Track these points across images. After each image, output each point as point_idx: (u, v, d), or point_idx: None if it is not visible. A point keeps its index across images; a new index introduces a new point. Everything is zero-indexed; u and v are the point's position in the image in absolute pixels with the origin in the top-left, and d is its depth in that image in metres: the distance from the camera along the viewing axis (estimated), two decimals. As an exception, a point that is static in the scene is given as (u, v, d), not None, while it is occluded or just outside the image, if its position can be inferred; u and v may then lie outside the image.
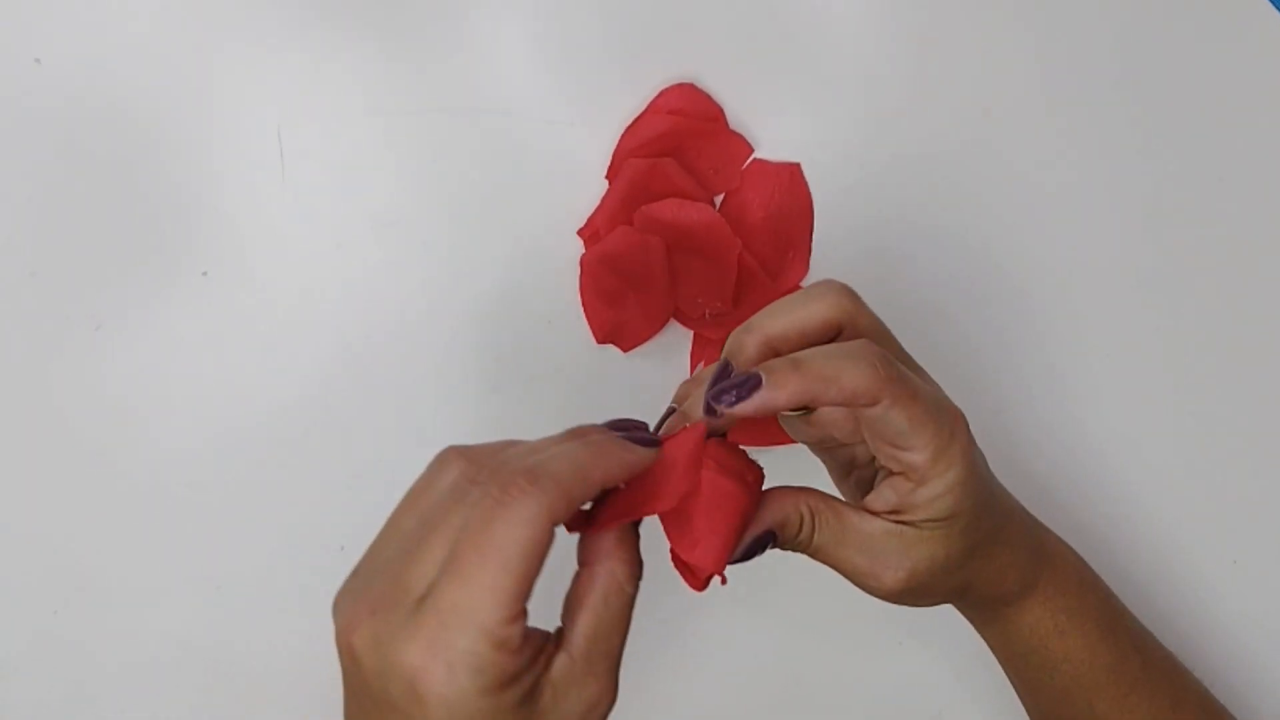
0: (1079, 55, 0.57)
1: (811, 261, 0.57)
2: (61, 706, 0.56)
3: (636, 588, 0.35)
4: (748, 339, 0.39)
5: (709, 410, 0.36)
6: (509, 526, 0.31)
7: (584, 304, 0.56)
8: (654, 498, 0.36)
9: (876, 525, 0.39)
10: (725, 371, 0.38)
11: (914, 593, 0.40)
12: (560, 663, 0.33)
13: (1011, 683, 0.49)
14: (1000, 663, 0.49)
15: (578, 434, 0.36)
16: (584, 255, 0.55)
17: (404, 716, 0.32)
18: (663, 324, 0.56)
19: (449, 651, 0.30)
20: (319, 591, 0.56)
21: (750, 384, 0.36)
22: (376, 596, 0.32)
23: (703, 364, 0.56)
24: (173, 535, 0.55)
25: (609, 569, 0.35)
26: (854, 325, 0.40)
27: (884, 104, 0.56)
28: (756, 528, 0.38)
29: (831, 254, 0.56)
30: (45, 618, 0.55)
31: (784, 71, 0.56)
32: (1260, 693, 0.58)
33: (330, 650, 0.57)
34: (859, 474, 0.44)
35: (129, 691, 0.56)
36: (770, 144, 0.56)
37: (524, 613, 0.31)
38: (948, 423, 0.38)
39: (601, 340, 0.56)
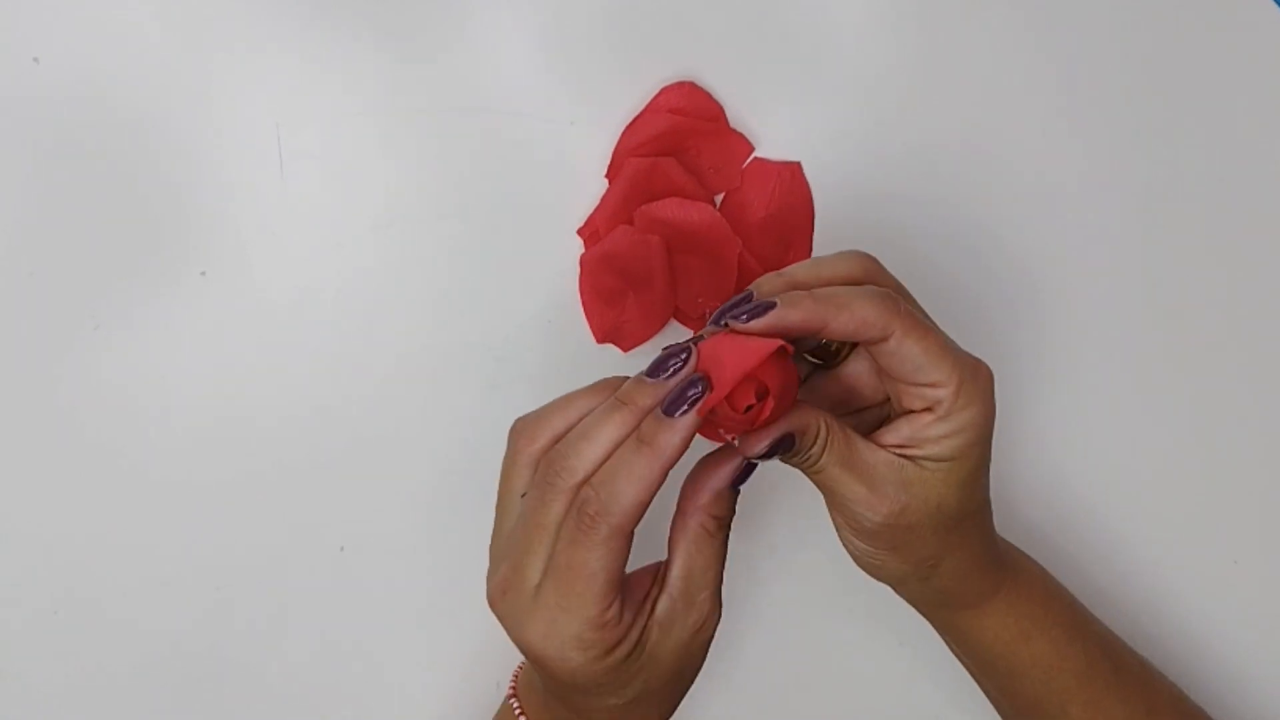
0: (1080, 54, 0.57)
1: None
2: (61, 706, 0.56)
3: (725, 533, 0.41)
4: (775, 279, 0.41)
5: (718, 323, 0.39)
6: (590, 551, 0.37)
7: (584, 304, 0.55)
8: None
9: (881, 456, 0.40)
10: (746, 298, 0.39)
11: (894, 533, 0.41)
12: (662, 604, 0.40)
13: (983, 689, 0.49)
14: (970, 672, 0.49)
15: (600, 391, 0.40)
16: (584, 255, 0.55)
17: (538, 668, 0.40)
18: (663, 324, 0.56)
19: (559, 637, 0.38)
20: (319, 591, 0.56)
21: (764, 305, 0.38)
22: (505, 579, 0.39)
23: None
24: (172, 535, 0.55)
25: (699, 520, 0.40)
26: (876, 282, 0.41)
27: (885, 103, 0.56)
28: (780, 428, 0.39)
29: (832, 253, 0.56)
30: (45, 618, 0.55)
31: (784, 70, 0.56)
32: (1260, 692, 0.58)
33: (329, 651, 0.57)
34: (861, 419, 0.44)
35: (129, 691, 0.56)
36: (771, 143, 0.56)
37: (616, 594, 0.38)
38: (970, 362, 0.40)
39: (601, 340, 0.56)
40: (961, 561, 0.44)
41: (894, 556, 0.43)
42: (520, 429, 0.40)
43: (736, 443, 0.40)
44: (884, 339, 0.38)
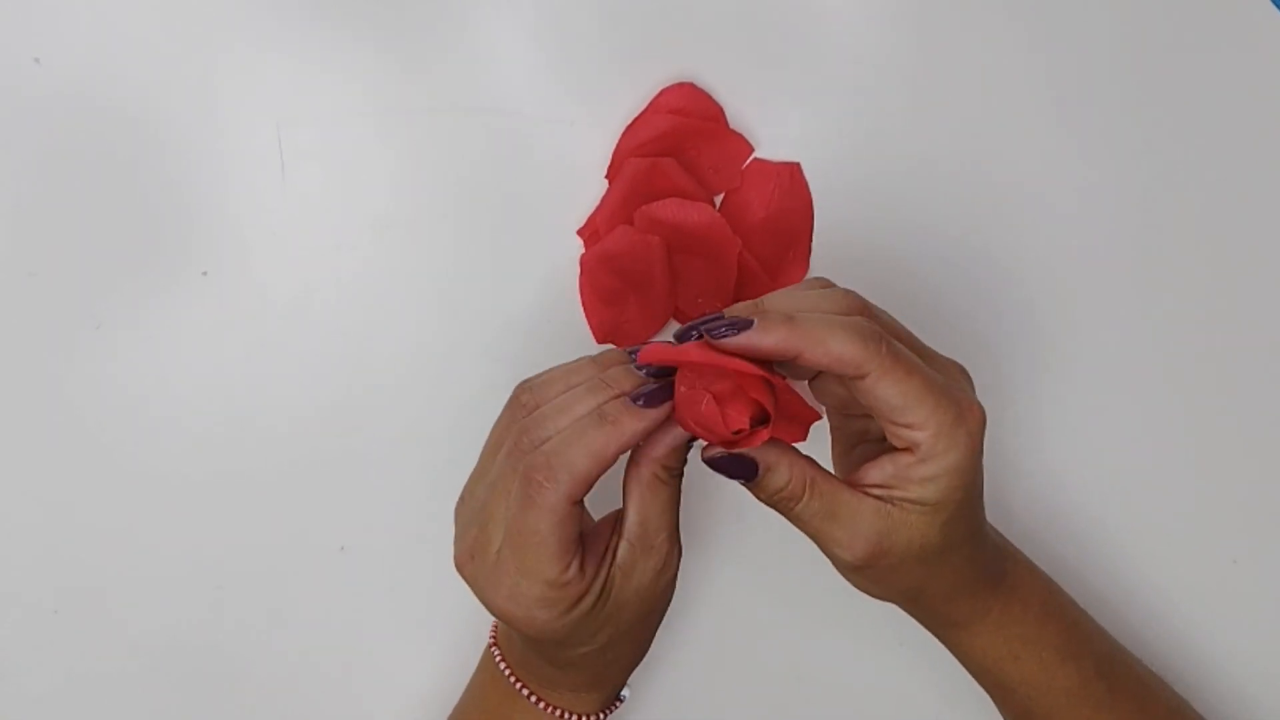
0: (1079, 55, 0.57)
1: (812, 261, 0.57)
2: (61, 706, 0.56)
3: (678, 481, 0.41)
4: (749, 308, 0.40)
5: (683, 338, 0.39)
6: (537, 516, 0.38)
7: (584, 304, 0.56)
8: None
9: (866, 505, 0.40)
10: (718, 315, 0.39)
11: (876, 570, 0.41)
12: (622, 551, 0.41)
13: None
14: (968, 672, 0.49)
15: (601, 365, 0.41)
16: (584, 255, 0.55)
17: (507, 626, 0.42)
18: (663, 324, 0.56)
19: (523, 599, 0.39)
20: (319, 591, 0.56)
21: (741, 324, 0.38)
22: (471, 543, 0.40)
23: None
24: (173, 535, 0.56)
25: (651, 470, 0.40)
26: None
27: (884, 103, 0.56)
28: (746, 450, 0.40)
29: (832, 253, 0.56)
30: (45, 618, 0.55)
31: (784, 71, 0.56)
32: (1260, 692, 0.58)
33: (330, 651, 0.57)
34: (863, 450, 0.44)
35: (129, 691, 0.56)
36: (770, 143, 0.56)
37: (574, 553, 0.39)
38: (951, 405, 0.38)
39: (601, 340, 0.56)
40: (947, 588, 0.44)
41: (876, 586, 0.43)
42: (520, 392, 0.41)
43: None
44: (860, 378, 0.38)
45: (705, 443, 0.40)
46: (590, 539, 0.41)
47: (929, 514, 0.40)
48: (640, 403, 0.38)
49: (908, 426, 0.38)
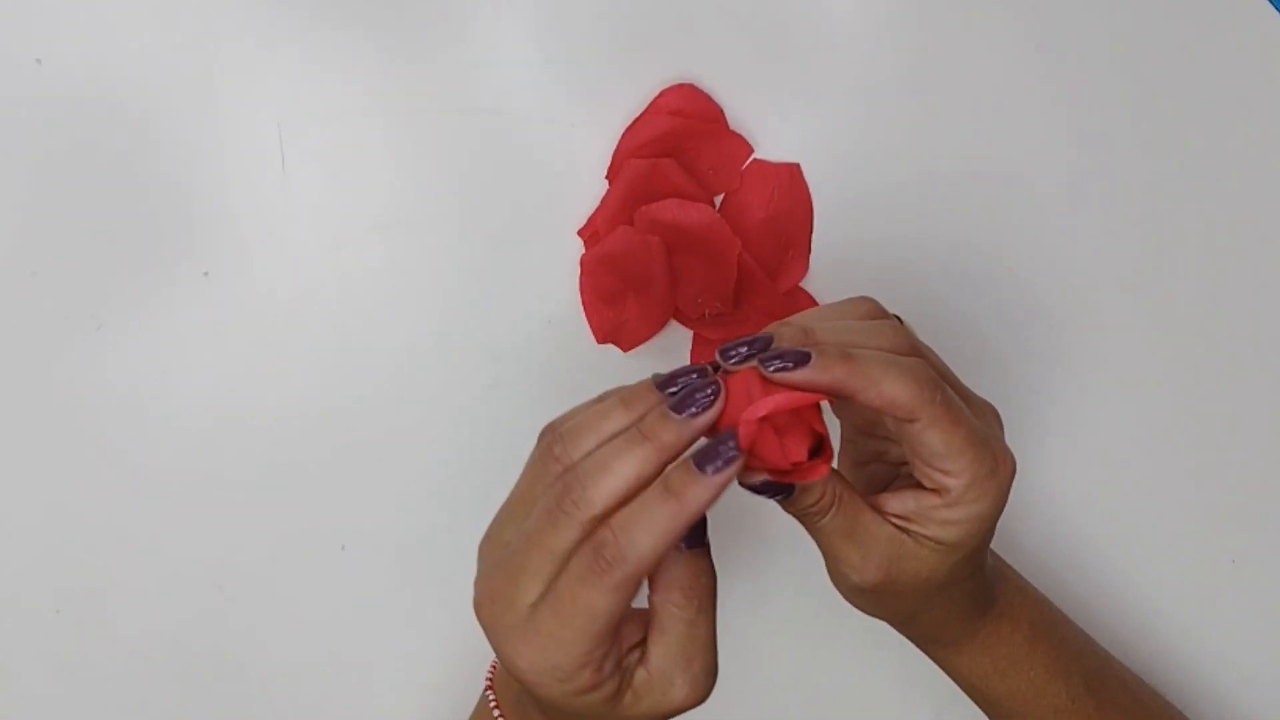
0: (1078, 56, 0.57)
1: (811, 261, 0.57)
2: (61, 706, 0.56)
3: (699, 609, 0.38)
4: (795, 332, 0.39)
5: (727, 356, 0.37)
6: (598, 593, 0.36)
7: (584, 304, 0.56)
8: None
9: (883, 531, 0.40)
10: (766, 342, 0.38)
11: (877, 595, 0.41)
12: (639, 677, 0.38)
13: None
14: None
15: (630, 406, 0.37)
16: (584, 255, 0.55)
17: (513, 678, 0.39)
18: (663, 324, 0.56)
19: (543, 664, 0.37)
20: (320, 591, 0.56)
21: (798, 359, 0.36)
22: (496, 588, 0.38)
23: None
24: (174, 535, 0.56)
25: (668, 600, 0.38)
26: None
27: (884, 104, 0.56)
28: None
29: (831, 254, 0.56)
30: (45, 618, 0.55)
31: (784, 72, 0.56)
32: (1260, 691, 0.59)
33: (332, 649, 0.57)
34: (876, 468, 0.44)
35: (129, 691, 0.56)
36: (770, 144, 0.56)
37: (609, 644, 0.37)
38: (989, 457, 0.38)
39: (601, 340, 0.56)
40: (940, 615, 0.44)
41: (872, 606, 0.44)
42: (553, 439, 0.38)
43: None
44: (910, 421, 0.37)
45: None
46: (619, 638, 0.38)
47: (943, 553, 0.40)
48: (709, 470, 0.36)
49: (944, 473, 0.38)
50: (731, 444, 0.36)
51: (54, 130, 0.54)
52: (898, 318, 0.42)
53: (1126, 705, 0.49)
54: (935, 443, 0.37)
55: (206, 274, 0.55)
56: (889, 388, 0.36)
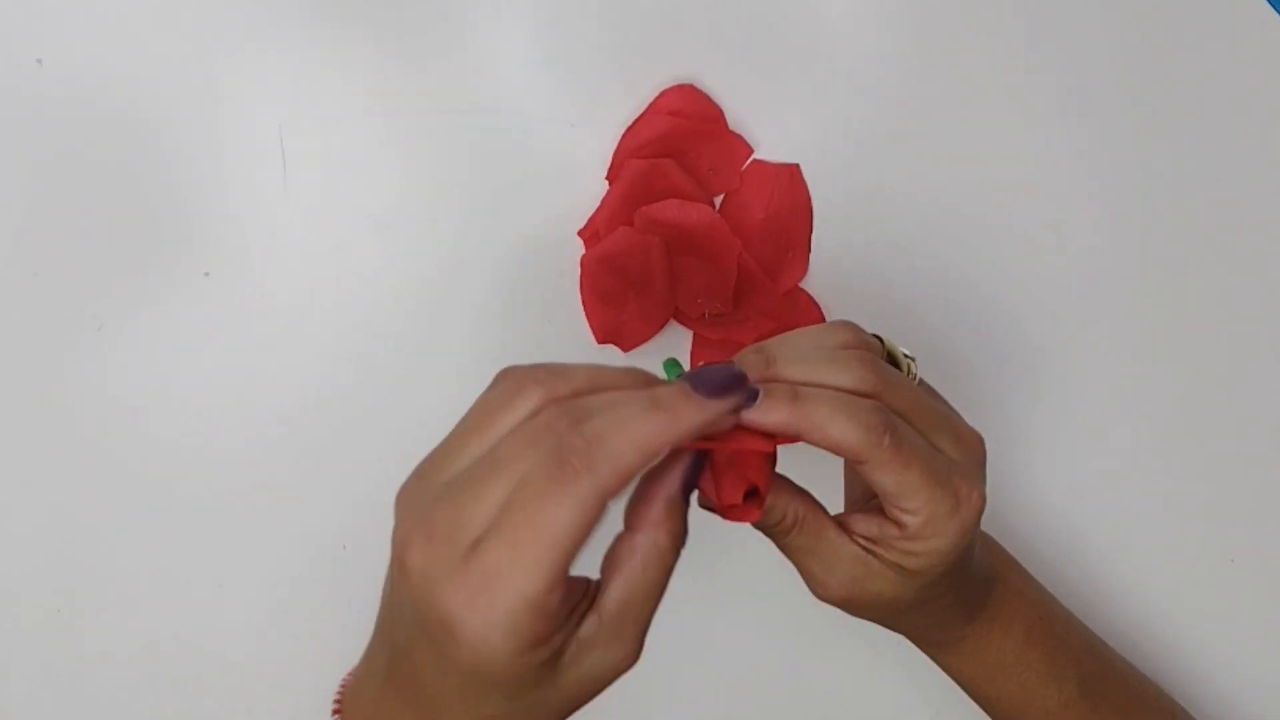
0: (1078, 57, 0.57)
1: (811, 262, 0.57)
2: (61, 706, 0.56)
3: (677, 557, 0.35)
4: (756, 360, 0.38)
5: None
6: (561, 507, 0.31)
7: (584, 304, 0.56)
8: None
9: (848, 550, 0.40)
10: (733, 379, 0.36)
11: (848, 607, 0.42)
12: (590, 624, 0.34)
13: None
14: None
15: (655, 403, 0.33)
16: (584, 255, 0.55)
17: (433, 643, 0.33)
18: (663, 324, 0.56)
19: (488, 611, 0.31)
20: (320, 591, 0.56)
21: (748, 396, 0.36)
22: (434, 524, 0.32)
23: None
24: (174, 535, 0.56)
25: (653, 538, 0.34)
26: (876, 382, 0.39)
27: (884, 105, 0.56)
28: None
29: (830, 255, 0.56)
30: (45, 617, 0.55)
31: (784, 72, 0.56)
32: (1260, 692, 0.59)
33: (331, 650, 0.57)
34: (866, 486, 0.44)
35: (129, 691, 0.56)
36: (770, 145, 0.56)
37: (564, 580, 0.32)
38: (948, 496, 0.38)
39: (601, 340, 0.56)
40: (919, 623, 0.45)
41: (850, 612, 0.43)
42: (541, 377, 0.34)
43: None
44: (859, 464, 0.37)
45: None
46: (563, 601, 0.33)
47: (906, 578, 0.40)
48: (702, 391, 0.33)
49: (901, 510, 0.38)
50: (742, 390, 0.35)
51: (54, 130, 0.54)
52: (878, 337, 0.42)
53: (1123, 705, 0.49)
54: (886, 484, 0.38)
55: (207, 274, 0.55)
56: (835, 431, 0.36)
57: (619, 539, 0.35)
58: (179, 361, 0.55)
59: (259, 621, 0.56)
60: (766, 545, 0.56)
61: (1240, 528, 0.58)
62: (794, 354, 0.38)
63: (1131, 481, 0.58)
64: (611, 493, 0.31)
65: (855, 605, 0.41)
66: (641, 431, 0.32)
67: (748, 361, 0.38)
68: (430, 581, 0.32)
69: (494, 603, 0.31)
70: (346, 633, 0.56)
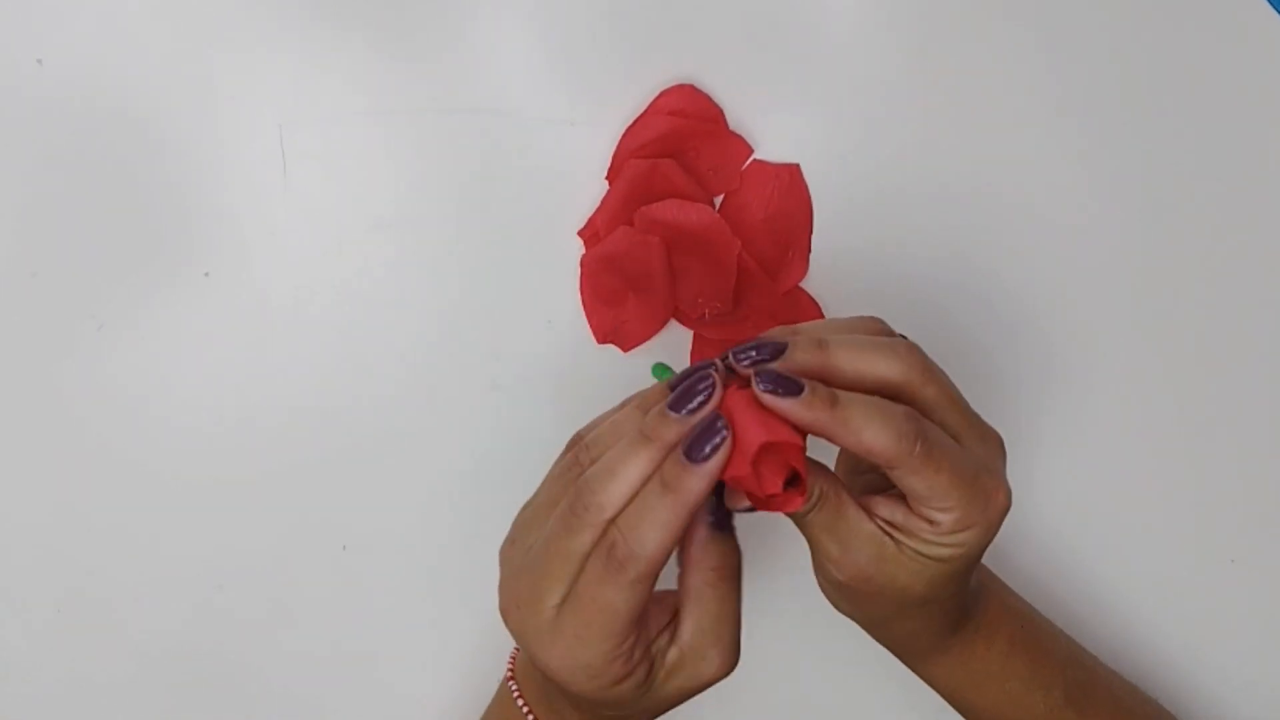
0: (1078, 55, 0.57)
1: (811, 262, 0.57)
2: (61, 706, 0.56)
3: (730, 583, 0.40)
4: (808, 346, 0.39)
5: (747, 362, 0.38)
6: (616, 592, 0.37)
7: (584, 304, 0.56)
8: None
9: (866, 529, 0.40)
10: (778, 349, 0.38)
11: (854, 594, 0.42)
12: (672, 655, 0.39)
13: None
14: None
15: (645, 409, 0.39)
16: (584, 255, 0.55)
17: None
18: (663, 324, 0.56)
19: (574, 665, 0.38)
20: (320, 591, 0.56)
21: (789, 388, 0.37)
22: (521, 594, 0.39)
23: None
24: (174, 534, 0.56)
25: (702, 576, 0.39)
26: (915, 397, 0.39)
27: (884, 104, 0.56)
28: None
29: (831, 254, 0.56)
30: (47, 617, 0.55)
31: (784, 72, 0.56)
32: (1260, 692, 0.59)
33: (331, 650, 0.57)
34: (871, 478, 0.44)
35: (129, 691, 0.56)
36: (770, 145, 0.56)
37: (634, 635, 0.38)
38: (979, 496, 0.38)
39: (601, 340, 0.56)
40: (912, 627, 0.45)
41: (849, 605, 0.44)
42: (578, 448, 0.40)
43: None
44: (889, 469, 0.38)
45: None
46: (645, 624, 0.39)
47: (922, 566, 0.40)
48: (697, 458, 0.36)
49: (929, 510, 0.39)
50: (718, 426, 0.37)
51: (54, 131, 0.54)
52: (903, 337, 0.42)
53: (1110, 713, 0.49)
54: (918, 488, 0.38)
55: (207, 274, 0.55)
56: (869, 437, 0.37)
57: (679, 577, 0.40)
58: (178, 361, 0.55)
59: (258, 621, 0.56)
60: (763, 546, 0.56)
61: (1241, 528, 0.58)
62: (842, 340, 0.39)
63: (1131, 482, 0.58)
64: (653, 572, 0.37)
65: (864, 591, 0.41)
66: (661, 518, 0.37)
67: (797, 344, 0.38)
68: (525, 640, 0.39)
69: (576, 660, 0.38)
70: (346, 632, 0.57)
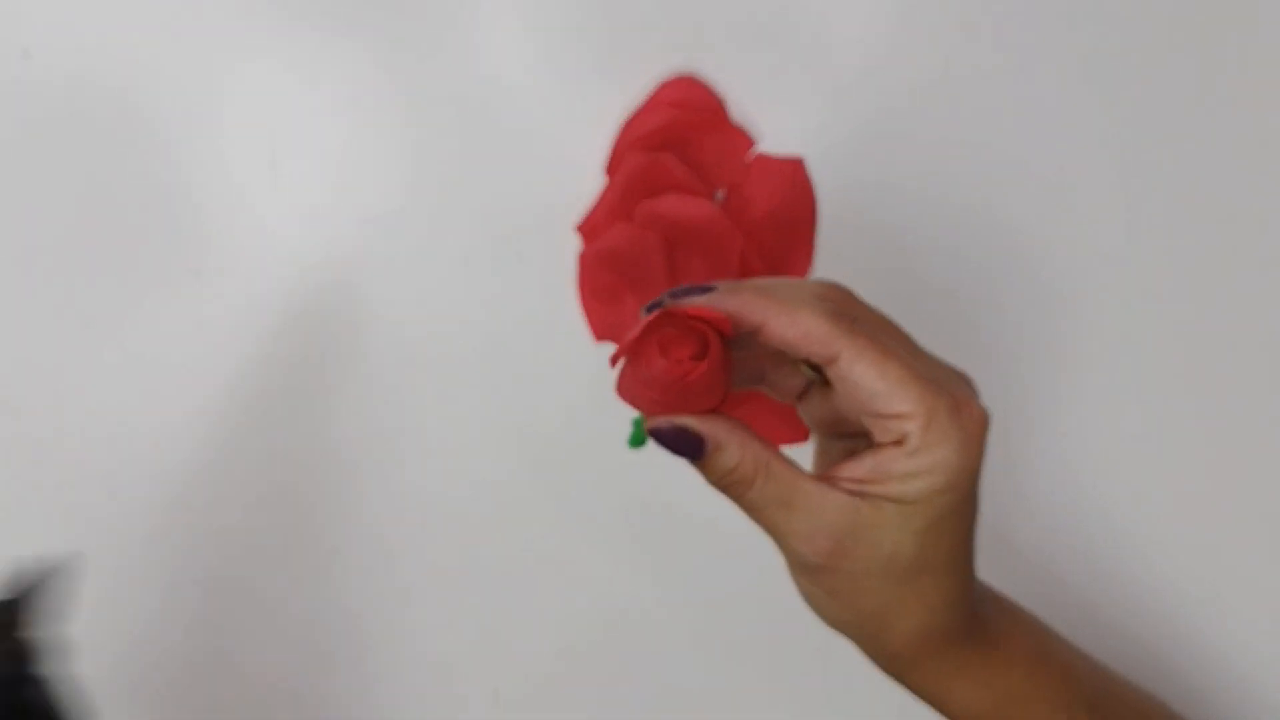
0: (1084, 51, 0.56)
1: (816, 257, 0.56)
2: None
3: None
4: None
5: (654, 306, 0.36)
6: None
7: (581, 302, 0.55)
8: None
9: (831, 498, 0.36)
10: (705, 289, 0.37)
11: (836, 577, 0.37)
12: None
13: None
14: None
15: None
16: (582, 252, 0.55)
17: None
18: (662, 322, 0.55)
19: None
20: (315, 591, 0.56)
21: (703, 287, 0.36)
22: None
23: None
24: (168, 535, 0.56)
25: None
26: (844, 309, 0.37)
27: (889, 98, 0.56)
28: (693, 425, 0.36)
29: (836, 250, 0.56)
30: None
31: (787, 64, 0.55)
32: (1260, 692, 0.58)
33: (326, 651, 0.57)
34: (844, 445, 0.42)
35: (129, 691, 0.56)
36: (774, 137, 0.55)
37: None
38: (945, 394, 0.35)
39: (600, 338, 0.55)
40: (915, 623, 0.39)
41: (836, 602, 0.38)
42: None
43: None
44: (831, 360, 0.35)
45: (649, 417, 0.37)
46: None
47: (904, 515, 0.35)
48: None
49: (895, 417, 0.35)
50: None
51: (42, 125, 0.54)
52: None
53: None
54: (869, 378, 0.35)
55: (198, 273, 0.55)
56: (802, 318, 0.35)
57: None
58: (168, 359, 0.55)
59: (252, 622, 0.56)
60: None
61: (1241, 528, 0.57)
62: (771, 282, 0.37)
63: (1131, 481, 0.58)
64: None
65: (846, 572, 0.36)
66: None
67: (723, 286, 0.37)
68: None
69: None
70: (340, 634, 0.56)
